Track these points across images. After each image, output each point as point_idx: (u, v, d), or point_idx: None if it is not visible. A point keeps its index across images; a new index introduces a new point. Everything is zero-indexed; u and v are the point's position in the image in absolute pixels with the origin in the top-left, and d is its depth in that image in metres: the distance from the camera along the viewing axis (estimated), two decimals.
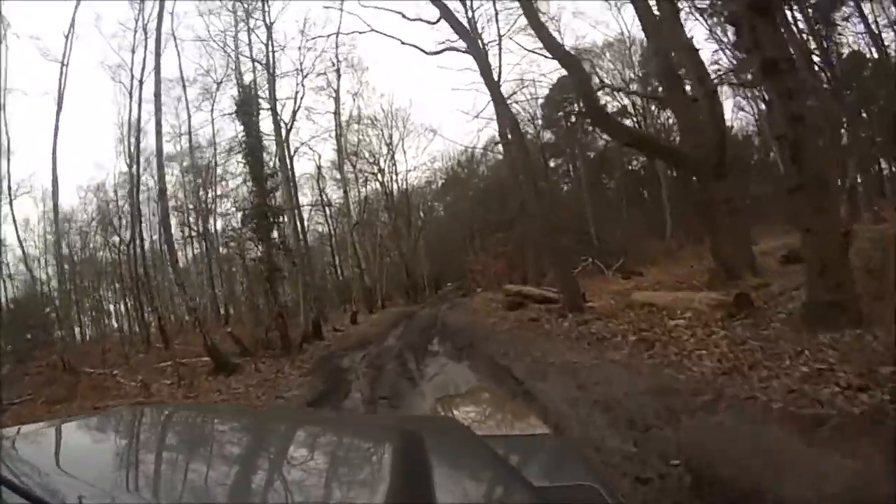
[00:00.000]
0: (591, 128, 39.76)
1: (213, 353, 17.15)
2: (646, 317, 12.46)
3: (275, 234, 20.61)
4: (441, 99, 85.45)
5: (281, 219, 21.08)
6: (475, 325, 18.96)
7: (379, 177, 43.45)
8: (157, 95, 17.72)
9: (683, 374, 7.94)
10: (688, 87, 16.57)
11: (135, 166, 26.83)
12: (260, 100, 23.04)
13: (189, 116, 29.58)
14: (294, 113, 30.09)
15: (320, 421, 2.83)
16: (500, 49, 30.60)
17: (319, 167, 36.11)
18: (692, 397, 6.68)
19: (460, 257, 45.27)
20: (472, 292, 37.56)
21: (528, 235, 27.50)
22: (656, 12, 16.15)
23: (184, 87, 28.51)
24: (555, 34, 32.20)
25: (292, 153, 30.22)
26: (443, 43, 22.30)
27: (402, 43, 23.54)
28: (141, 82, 24.68)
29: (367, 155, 42.31)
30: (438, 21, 20.74)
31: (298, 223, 29.25)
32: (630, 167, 43.54)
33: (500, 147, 44.13)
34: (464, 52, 20.74)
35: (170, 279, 33.79)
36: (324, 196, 37.61)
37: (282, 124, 26.82)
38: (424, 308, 35.79)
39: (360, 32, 30.92)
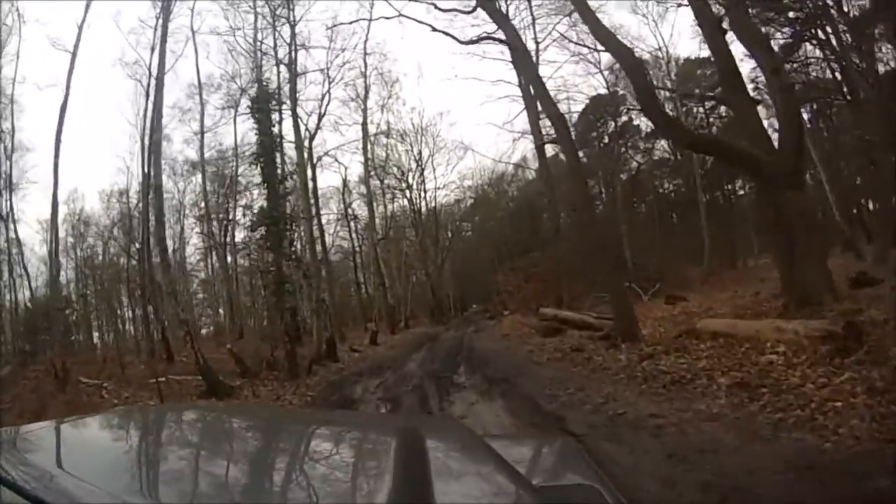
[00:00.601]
0: (624, 149, 38.02)
1: (205, 374, 14.80)
2: (724, 351, 9.83)
3: (287, 244, 17.84)
4: (473, 113, 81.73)
5: (294, 227, 18.34)
6: (508, 352, 16.32)
7: (407, 193, 40.83)
8: (160, 80, 15.24)
9: (826, 439, 5.48)
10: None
11: (148, 168, 24.33)
12: (280, 100, 20.45)
13: (202, 116, 26.85)
14: (319, 118, 27.74)
15: (321, 421, 2.69)
16: (537, 55, 28.54)
17: (345, 180, 33.46)
18: (864, 481, 4.40)
19: (487, 279, 42.42)
20: (500, 315, 34.79)
21: (563, 256, 24.68)
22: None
23: (199, 85, 25.95)
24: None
25: (315, 161, 27.92)
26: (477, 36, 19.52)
27: (434, 30, 20.93)
28: (158, 80, 22.59)
29: (395, 170, 39.71)
30: (474, 10, 18.12)
31: (319, 235, 26.88)
32: (662, 190, 40.91)
33: (531, 165, 43.11)
34: (501, 42, 17.87)
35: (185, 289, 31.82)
36: (349, 210, 34.82)
37: (303, 128, 24.48)
38: (449, 330, 33.21)
39: (388, 18, 28.27)
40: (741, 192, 37.32)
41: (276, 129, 19.42)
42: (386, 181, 38.42)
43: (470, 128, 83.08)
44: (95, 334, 34.91)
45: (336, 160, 32.33)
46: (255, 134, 19.05)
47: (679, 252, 30.74)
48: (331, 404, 12.28)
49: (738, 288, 19.75)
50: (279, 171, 18.37)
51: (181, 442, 1.99)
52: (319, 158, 28.83)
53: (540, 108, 18.21)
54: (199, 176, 31.24)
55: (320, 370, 17.93)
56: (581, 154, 39.06)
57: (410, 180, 40.69)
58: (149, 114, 22.00)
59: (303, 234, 21.28)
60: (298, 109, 25.37)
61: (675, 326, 13.52)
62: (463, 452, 1.89)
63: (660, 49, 32.83)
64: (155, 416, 2.46)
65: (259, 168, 18.51)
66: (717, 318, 12.61)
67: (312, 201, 25.99)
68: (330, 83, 28.57)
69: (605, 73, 32.86)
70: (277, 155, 19.14)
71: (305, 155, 24.31)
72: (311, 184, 27.17)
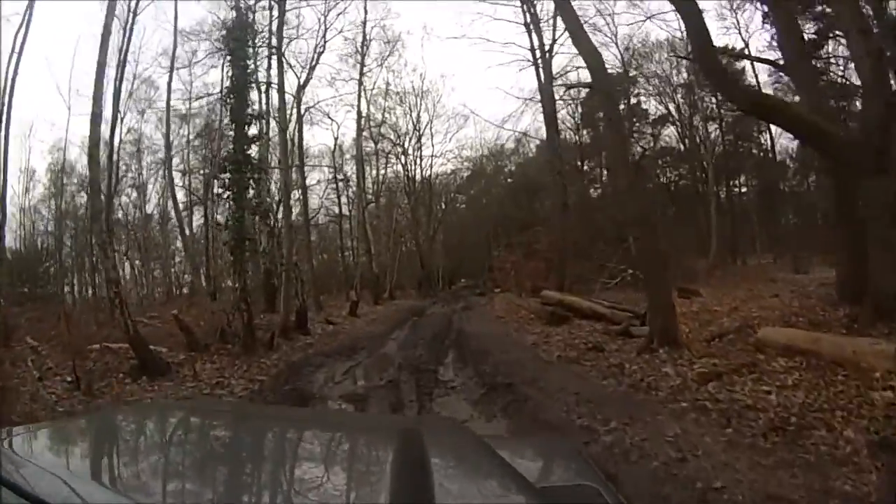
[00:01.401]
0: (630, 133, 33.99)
1: (136, 345, 11.59)
2: (814, 378, 6.84)
3: (253, 195, 14.50)
4: (477, 79, 76.48)
5: (263, 177, 14.98)
6: (507, 342, 13.22)
7: (402, 158, 37.52)
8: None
9: None
10: None
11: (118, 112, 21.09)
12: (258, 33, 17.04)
13: (172, 59, 23.39)
14: (311, 69, 24.26)
15: (320, 421, 2.69)
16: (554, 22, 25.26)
17: (336, 138, 29.96)
18: None
19: (479, 254, 41.37)
20: (491, 292, 32.75)
21: (570, 233, 21.43)
22: None
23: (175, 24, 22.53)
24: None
25: (302, 112, 24.43)
26: None
27: None
28: (135, 13, 19.31)
29: (390, 133, 36.34)
30: None
31: (301, 193, 23.56)
32: (665, 180, 37.69)
33: (531, 142, 39.86)
34: None
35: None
36: (338, 171, 31.32)
37: (292, 76, 21.15)
38: (436, 304, 30.23)
39: None
40: (744, 189, 35.83)
41: (252, 64, 15.93)
42: (380, 144, 34.89)
43: (474, 94, 79.18)
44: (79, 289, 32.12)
45: (329, 117, 28.70)
46: (228, 66, 15.65)
47: (681, 243, 27.35)
48: (280, 396, 9.30)
49: (748, 286, 17.78)
50: (249, 110, 14.90)
51: (181, 442, 1.90)
52: (307, 109, 25.26)
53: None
54: (187, 128, 28.21)
55: (284, 345, 14.83)
56: (585, 134, 36.48)
57: (406, 145, 37.43)
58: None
59: (277, 187, 17.92)
60: (291, 59, 22.36)
61: (702, 327, 11.06)
62: (463, 453, 1.81)
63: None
64: (155, 416, 2.29)
65: (228, 106, 15.08)
66: (783, 328, 9.55)
67: (296, 153, 22.78)
68: (325, 29, 25.08)
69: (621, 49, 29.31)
70: (257, 96, 15.96)
71: (290, 102, 21.00)
72: (296, 136, 24.07)
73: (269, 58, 19.99)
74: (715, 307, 13.97)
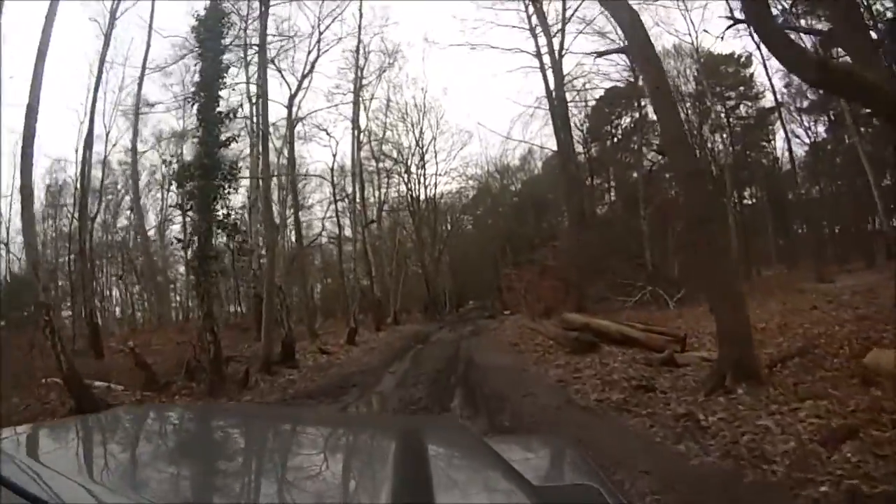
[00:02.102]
0: (637, 146, 31.88)
1: (71, 384, 9.61)
2: None
3: (222, 205, 12.00)
4: (481, 91, 72.13)
5: (233, 185, 12.44)
6: (526, 378, 10.68)
7: (404, 177, 35.08)
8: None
9: None
10: None
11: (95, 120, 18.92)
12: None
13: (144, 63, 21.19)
14: (303, 77, 21.97)
15: (320, 421, 2.71)
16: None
17: (335, 154, 27.54)
18: None
19: (486, 275, 38.79)
20: (500, 314, 30.69)
21: (586, 249, 18.80)
22: None
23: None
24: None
25: (294, 118, 22.02)
26: None
27: None
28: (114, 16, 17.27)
29: (392, 152, 34.02)
30: None
31: (293, 209, 21.13)
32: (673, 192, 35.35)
33: (535, 160, 37.61)
34: None
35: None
36: (336, 187, 28.68)
37: (282, 84, 18.93)
38: (443, 328, 27.77)
39: None
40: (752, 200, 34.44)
41: (227, 60, 13.57)
42: (382, 163, 32.55)
43: (478, 107, 75.47)
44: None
45: (326, 133, 26.24)
46: (198, 61, 13.24)
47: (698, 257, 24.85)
48: None
49: (777, 297, 16.04)
50: (221, 109, 12.46)
51: (181, 442, 1.87)
52: (299, 120, 22.81)
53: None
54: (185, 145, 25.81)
55: (262, 383, 12.48)
56: (593, 149, 34.14)
57: (409, 163, 35.11)
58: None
59: (258, 200, 15.44)
60: (283, 67, 20.19)
61: (757, 349, 8.14)
62: (463, 453, 1.77)
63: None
64: (155, 416, 2.26)
65: (196, 103, 12.62)
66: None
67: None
68: (320, 34, 22.84)
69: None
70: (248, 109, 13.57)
71: (280, 112, 18.61)
72: (286, 149, 21.67)
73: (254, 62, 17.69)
74: (759, 324, 11.27)
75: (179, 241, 14.17)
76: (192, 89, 13.20)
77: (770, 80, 26.50)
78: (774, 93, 27.28)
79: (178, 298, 32.56)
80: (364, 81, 27.75)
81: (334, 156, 27.35)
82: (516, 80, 34.92)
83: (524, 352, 13.70)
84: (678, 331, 12.47)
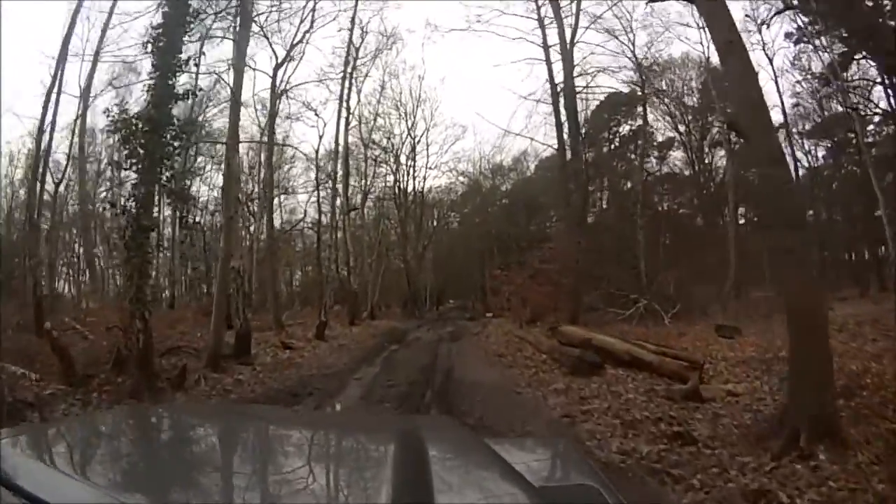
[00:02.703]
0: (634, 155, 30.55)
1: None
2: None
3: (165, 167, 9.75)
4: (480, 86, 68.54)
5: (183, 144, 10.23)
6: (520, 405, 8.53)
7: (393, 167, 33.01)
8: None
9: None
10: None
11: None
12: None
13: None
14: (292, 46, 19.80)
15: (320, 421, 2.74)
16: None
17: (321, 136, 25.17)
18: None
19: (470, 274, 38.23)
20: (482, 316, 28.94)
21: (584, 255, 16.68)
22: None
23: None
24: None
25: (279, 89, 19.85)
26: None
27: None
28: None
29: (383, 141, 31.97)
30: None
31: (266, 183, 19.02)
32: (671, 205, 34.14)
33: (529, 162, 35.72)
34: None
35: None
36: (320, 172, 26.29)
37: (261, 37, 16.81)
38: (421, 327, 25.68)
39: None
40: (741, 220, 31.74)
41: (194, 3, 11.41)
42: (371, 150, 30.43)
43: (477, 100, 69.83)
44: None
45: (315, 113, 23.88)
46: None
47: (691, 271, 23.13)
48: None
49: (775, 323, 13.21)
50: (178, 58, 10.25)
51: (181, 442, 1.84)
52: (284, 92, 20.57)
53: None
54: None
55: (206, 382, 10.43)
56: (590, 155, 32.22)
57: (399, 153, 33.08)
58: None
59: (224, 172, 13.30)
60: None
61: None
62: (463, 453, 1.77)
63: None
64: (155, 416, 2.26)
65: (153, 50, 10.38)
66: None
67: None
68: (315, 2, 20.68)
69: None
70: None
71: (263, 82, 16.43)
72: (267, 123, 19.52)
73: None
74: (779, 352, 9.70)
75: (112, 205, 11.92)
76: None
77: (780, 95, 25.01)
78: (784, 110, 25.75)
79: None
80: (359, 62, 25.48)
81: (320, 137, 24.97)
82: (517, 74, 32.56)
83: (513, 366, 11.61)
84: (687, 352, 10.70)
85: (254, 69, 18.47)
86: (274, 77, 19.52)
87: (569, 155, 20.58)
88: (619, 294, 18.43)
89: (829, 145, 27.25)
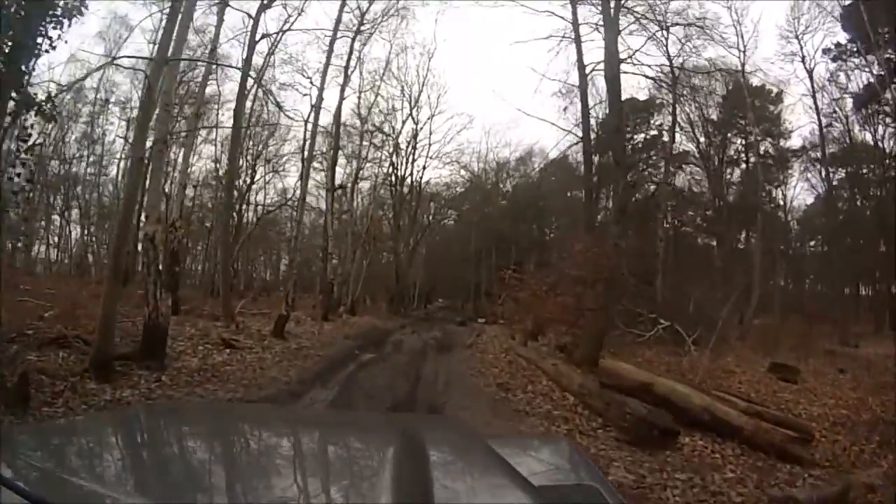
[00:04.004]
0: (644, 166, 28.00)
1: None
2: None
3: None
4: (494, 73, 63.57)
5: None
6: None
7: (392, 152, 29.13)
8: None
9: None
10: None
11: None
12: None
13: None
14: None
15: (321, 421, 2.50)
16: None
17: (314, 107, 20.96)
18: None
19: (462, 274, 35.07)
20: (474, 321, 25.72)
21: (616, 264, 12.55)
22: None
23: None
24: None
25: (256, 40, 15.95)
26: None
27: None
28: None
29: (385, 125, 28.26)
30: None
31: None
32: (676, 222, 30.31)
33: (539, 161, 32.07)
34: None
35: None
36: (307, 144, 22.17)
37: None
38: (405, 328, 21.85)
39: None
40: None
41: None
42: (366, 126, 26.44)
43: (491, 82, 65.00)
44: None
45: (311, 81, 19.75)
46: None
47: (707, 293, 19.61)
48: None
49: (810, 361, 13.39)
50: None
51: (181, 442, 1.75)
52: (263, 37, 16.66)
53: None
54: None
55: (74, 397, 6.69)
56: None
57: (399, 137, 29.30)
58: None
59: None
60: None
61: None
62: (463, 452, 1.72)
63: None
64: (155, 416, 2.10)
65: None
66: None
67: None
68: None
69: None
70: None
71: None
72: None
73: None
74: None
75: None
76: None
77: (818, 112, 22.77)
78: (821, 128, 22.45)
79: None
80: (363, 27, 21.43)
81: (313, 107, 20.91)
82: (538, 54, 29.08)
83: (530, 413, 7.47)
84: (784, 412, 7.51)
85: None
86: (256, 19, 15.66)
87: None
88: (635, 312, 14.70)
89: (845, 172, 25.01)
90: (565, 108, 22.18)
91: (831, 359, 14.49)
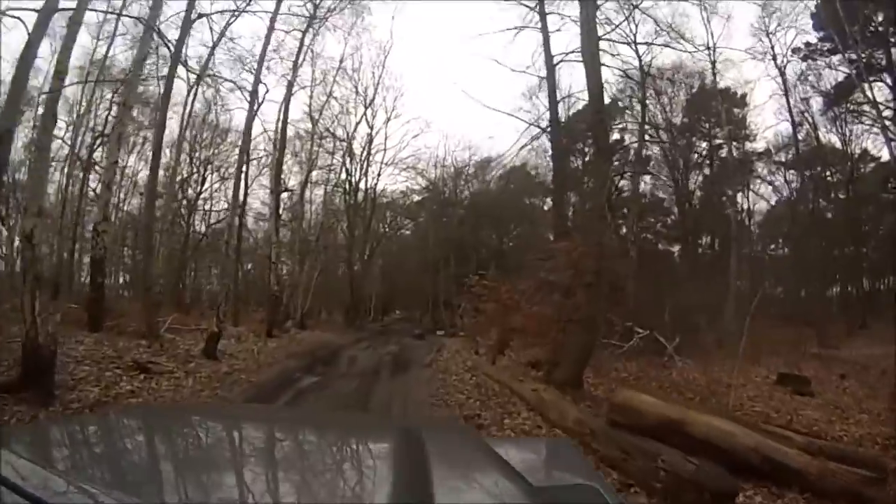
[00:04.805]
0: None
1: None
2: None
3: None
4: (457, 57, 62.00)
5: None
6: None
7: (346, 157, 27.19)
8: None
9: None
10: None
11: None
12: None
13: None
14: None
15: (321, 421, 2.36)
16: None
17: (252, 91, 18.66)
18: None
19: (420, 285, 33.15)
20: (431, 333, 24.51)
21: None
22: None
23: None
24: None
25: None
26: None
27: None
28: None
29: (337, 130, 26.34)
30: None
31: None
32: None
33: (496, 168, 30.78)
34: None
35: None
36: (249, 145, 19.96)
37: None
38: (360, 342, 19.55)
39: None
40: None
41: None
42: (319, 132, 24.40)
43: (450, 80, 63.96)
44: None
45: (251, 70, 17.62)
46: None
47: (680, 300, 18.09)
48: None
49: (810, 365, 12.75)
50: None
51: (181, 442, 1.68)
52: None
53: None
54: None
55: None
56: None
57: (352, 139, 27.37)
58: None
59: None
60: None
61: None
62: (463, 453, 1.66)
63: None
64: (155, 416, 2.08)
65: None
66: None
67: None
68: None
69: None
70: None
71: None
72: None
73: None
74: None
75: None
76: None
77: (791, 112, 22.37)
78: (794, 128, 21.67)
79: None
80: (315, 19, 19.47)
81: (257, 103, 18.78)
82: (500, 55, 27.51)
83: None
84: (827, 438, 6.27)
85: None
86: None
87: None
88: (609, 320, 13.05)
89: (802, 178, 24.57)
90: (531, 97, 21.39)
91: (822, 363, 13.68)
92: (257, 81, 14.26)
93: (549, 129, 18.02)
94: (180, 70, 15.67)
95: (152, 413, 2.38)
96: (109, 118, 17.84)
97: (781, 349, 14.21)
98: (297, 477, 1.34)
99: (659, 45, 19.03)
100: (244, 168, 16.41)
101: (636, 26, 18.89)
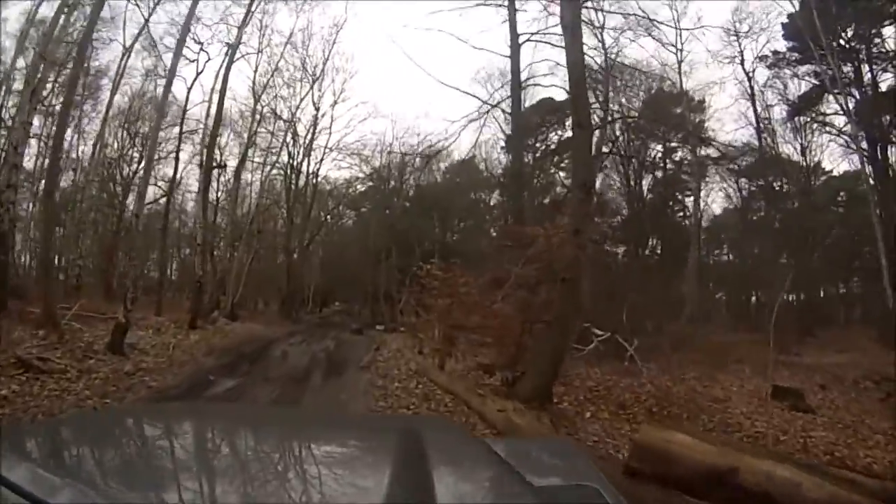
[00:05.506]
0: (555, 168, 26.40)
1: None
2: None
3: None
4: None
5: None
6: None
7: (287, 132, 25.24)
8: None
9: None
10: None
11: None
12: None
13: None
14: None
15: (320, 421, 2.31)
16: None
17: (199, 73, 16.81)
18: None
19: (361, 277, 31.12)
20: (371, 327, 22.27)
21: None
22: None
23: None
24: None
25: None
26: None
27: None
28: None
29: (283, 111, 24.47)
30: None
31: None
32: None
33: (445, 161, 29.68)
34: None
35: None
36: (185, 118, 18.07)
37: None
38: (294, 336, 17.79)
39: None
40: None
41: None
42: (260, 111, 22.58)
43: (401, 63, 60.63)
44: None
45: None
46: None
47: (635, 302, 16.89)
48: None
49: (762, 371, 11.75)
50: None
51: (180, 442, 1.63)
52: None
53: None
54: None
55: None
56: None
57: (295, 121, 25.47)
58: None
59: None
60: None
61: None
62: (463, 453, 1.63)
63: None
64: (154, 416, 2.00)
65: None
66: None
67: None
68: None
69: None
70: None
71: None
72: None
73: None
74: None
75: None
76: None
77: (757, 118, 22.05)
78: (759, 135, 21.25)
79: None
80: None
81: (198, 73, 16.82)
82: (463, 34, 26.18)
83: None
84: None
85: None
86: None
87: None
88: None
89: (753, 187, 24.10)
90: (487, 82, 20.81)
91: (792, 372, 13.11)
92: (185, 34, 12.43)
93: (500, 105, 17.28)
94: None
95: (154, 413, 2.25)
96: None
97: (744, 356, 13.81)
98: (297, 477, 1.31)
99: (626, 34, 18.46)
100: (178, 144, 14.48)
101: (604, 17, 18.20)
